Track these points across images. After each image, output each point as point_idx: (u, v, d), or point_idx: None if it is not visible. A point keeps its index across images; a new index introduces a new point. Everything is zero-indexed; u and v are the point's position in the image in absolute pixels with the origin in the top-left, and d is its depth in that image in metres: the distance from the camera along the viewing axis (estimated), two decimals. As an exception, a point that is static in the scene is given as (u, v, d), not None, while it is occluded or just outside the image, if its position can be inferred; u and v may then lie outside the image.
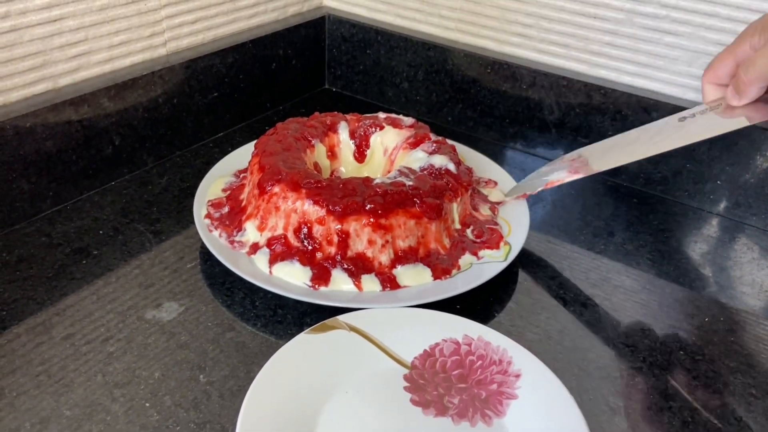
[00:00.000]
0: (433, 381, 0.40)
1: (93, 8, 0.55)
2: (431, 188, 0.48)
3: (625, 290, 0.50)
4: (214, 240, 0.48)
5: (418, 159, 0.52)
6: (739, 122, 0.44)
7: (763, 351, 0.44)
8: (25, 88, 0.53)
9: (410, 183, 0.48)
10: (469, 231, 0.51)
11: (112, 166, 0.58)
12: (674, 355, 0.44)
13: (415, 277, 0.46)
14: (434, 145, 0.53)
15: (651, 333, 0.46)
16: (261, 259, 0.47)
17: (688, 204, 0.61)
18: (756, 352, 0.44)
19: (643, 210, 0.60)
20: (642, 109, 0.60)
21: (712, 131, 0.44)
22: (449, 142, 0.56)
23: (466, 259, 0.49)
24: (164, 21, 0.61)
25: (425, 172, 0.50)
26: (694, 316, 0.47)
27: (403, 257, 0.47)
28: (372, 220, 0.46)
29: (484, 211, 0.54)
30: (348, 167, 0.57)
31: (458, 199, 0.50)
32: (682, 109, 0.58)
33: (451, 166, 0.51)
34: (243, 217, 0.49)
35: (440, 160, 0.51)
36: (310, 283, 0.45)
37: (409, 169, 0.51)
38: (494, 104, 0.69)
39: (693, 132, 0.45)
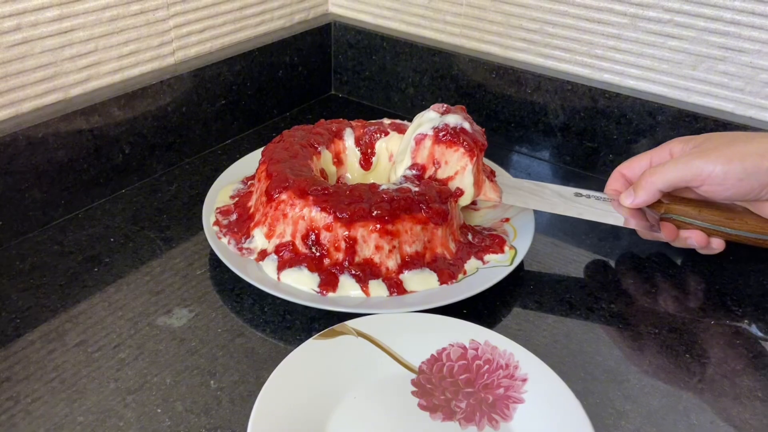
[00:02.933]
0: (440, 385, 0.40)
1: (102, 19, 0.56)
2: (437, 193, 0.49)
3: (631, 293, 0.50)
4: (223, 247, 0.49)
5: (430, 119, 0.51)
6: (616, 219, 0.50)
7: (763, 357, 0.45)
8: (37, 99, 0.54)
9: (416, 189, 0.49)
10: (470, 236, 0.51)
11: (122, 174, 0.59)
12: (681, 357, 0.44)
13: (421, 282, 0.47)
14: (443, 106, 0.52)
15: (658, 335, 0.46)
16: (269, 265, 0.47)
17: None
18: (762, 355, 0.45)
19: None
20: (647, 112, 0.60)
21: (593, 216, 0.50)
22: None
23: (472, 263, 0.49)
24: (172, 30, 0.62)
25: (440, 132, 0.49)
26: (700, 319, 0.48)
27: (409, 262, 0.47)
28: (379, 226, 0.46)
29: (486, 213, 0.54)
30: (354, 173, 0.58)
31: (473, 160, 0.49)
32: (686, 113, 0.59)
33: (466, 125, 0.50)
34: (251, 224, 0.50)
35: (454, 119, 0.50)
36: (318, 289, 0.46)
37: (421, 167, 0.51)
38: (499, 109, 0.69)
39: (580, 210, 0.50)
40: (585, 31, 0.63)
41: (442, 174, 0.50)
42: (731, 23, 0.56)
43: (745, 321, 0.47)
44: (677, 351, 0.45)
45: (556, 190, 0.53)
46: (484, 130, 0.54)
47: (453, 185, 0.50)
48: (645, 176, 0.49)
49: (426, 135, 0.50)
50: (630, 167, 0.52)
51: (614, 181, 0.53)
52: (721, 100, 0.59)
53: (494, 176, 0.53)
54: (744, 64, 0.56)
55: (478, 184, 0.50)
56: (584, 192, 0.52)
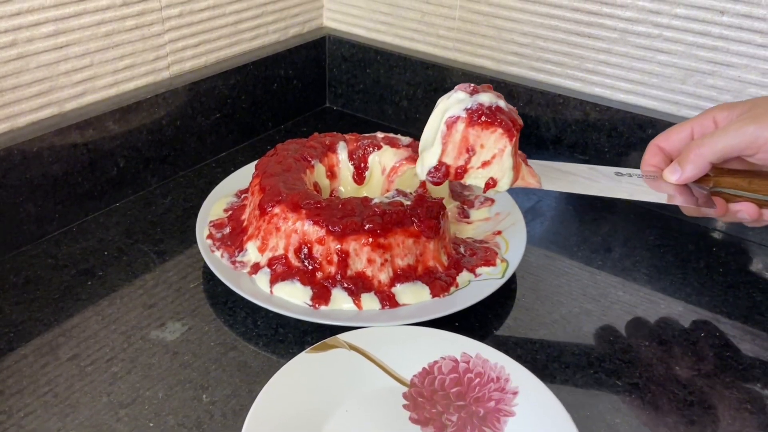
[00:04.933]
0: (431, 399, 0.41)
1: (98, 34, 0.56)
2: (429, 207, 0.49)
3: (622, 305, 0.50)
4: (216, 260, 0.49)
5: (460, 100, 0.45)
6: (660, 197, 0.46)
7: (759, 366, 0.45)
8: (32, 113, 0.54)
9: (408, 203, 0.49)
10: (462, 249, 0.51)
11: (116, 187, 0.60)
12: (671, 370, 0.44)
13: (414, 295, 0.47)
14: (470, 86, 0.47)
15: (648, 348, 0.46)
16: (262, 278, 0.47)
17: (683, 218, 0.61)
18: (751, 366, 0.45)
19: (640, 226, 0.60)
20: (637, 125, 0.61)
21: (635, 195, 0.46)
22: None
23: (464, 276, 0.49)
24: (167, 45, 0.63)
25: (474, 113, 0.44)
26: (690, 331, 0.48)
27: (402, 275, 0.48)
28: (371, 239, 0.46)
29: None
30: (347, 187, 0.58)
31: (512, 141, 0.44)
32: (673, 123, 0.59)
33: (502, 104, 0.45)
34: (244, 238, 0.50)
35: (488, 98, 0.45)
36: (310, 303, 0.46)
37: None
38: (492, 122, 0.70)
39: (621, 190, 0.47)
40: (576, 45, 0.64)
41: (476, 161, 0.45)
42: (719, 38, 0.56)
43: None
44: (668, 363, 0.45)
45: (593, 169, 0.48)
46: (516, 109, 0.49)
47: (489, 171, 0.45)
48: (692, 148, 0.44)
49: (458, 117, 0.44)
50: (668, 139, 0.48)
51: (652, 155, 0.48)
52: (710, 113, 0.59)
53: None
54: (732, 78, 0.57)
55: (516, 168, 0.45)
56: (624, 170, 0.48)
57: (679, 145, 0.47)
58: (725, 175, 0.46)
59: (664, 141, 0.48)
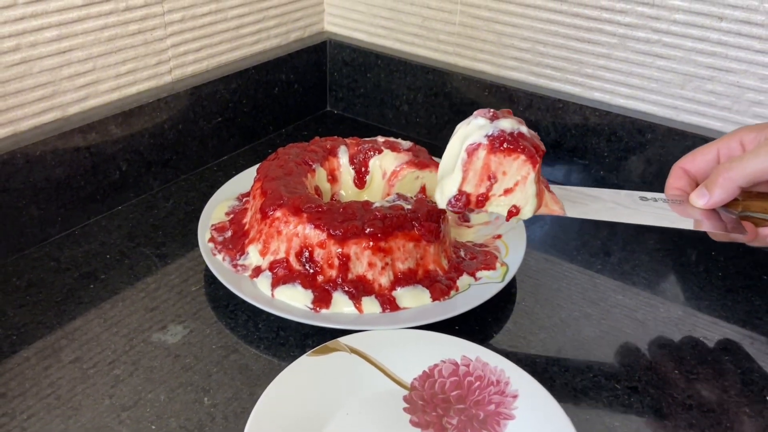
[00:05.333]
0: (432, 402, 0.41)
1: (101, 39, 0.57)
2: (429, 211, 0.49)
3: (621, 309, 0.51)
4: (218, 264, 0.49)
5: (480, 126, 0.44)
6: (686, 223, 0.44)
7: (757, 370, 0.45)
8: (35, 117, 0.54)
9: (409, 206, 0.49)
10: (462, 253, 0.52)
11: (119, 190, 0.60)
12: (670, 374, 0.45)
13: (414, 298, 0.47)
14: (490, 111, 0.46)
15: (647, 352, 0.47)
16: (263, 282, 0.48)
17: (683, 223, 0.62)
18: (750, 371, 0.45)
19: (639, 230, 0.61)
20: (637, 130, 0.61)
21: (661, 221, 0.45)
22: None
23: (464, 280, 0.50)
24: (170, 50, 0.63)
25: (496, 140, 0.43)
26: (689, 335, 0.48)
27: (402, 279, 0.48)
28: (372, 243, 0.47)
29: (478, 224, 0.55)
30: (348, 191, 0.58)
31: (536, 168, 0.43)
32: (675, 131, 0.60)
33: (524, 129, 0.44)
34: (246, 241, 0.51)
35: (509, 124, 0.44)
36: (311, 306, 0.46)
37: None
38: (492, 126, 0.70)
39: (646, 216, 0.45)
40: (575, 50, 0.64)
41: (498, 188, 0.44)
42: (718, 44, 0.57)
43: None
44: (667, 367, 0.45)
45: (616, 195, 0.47)
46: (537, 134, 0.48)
47: (512, 199, 0.44)
48: (720, 171, 0.43)
49: (479, 144, 0.43)
50: (693, 162, 0.46)
51: (676, 178, 0.47)
52: (709, 118, 0.60)
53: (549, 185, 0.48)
54: (731, 84, 0.58)
55: (539, 195, 0.44)
56: (648, 195, 0.47)
57: (705, 167, 0.46)
58: (754, 198, 0.45)
59: (689, 163, 0.47)
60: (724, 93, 0.58)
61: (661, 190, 0.61)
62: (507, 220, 0.45)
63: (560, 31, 0.64)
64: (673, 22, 0.58)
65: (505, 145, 0.43)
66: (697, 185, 0.46)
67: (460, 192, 0.44)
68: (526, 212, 0.44)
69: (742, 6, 0.55)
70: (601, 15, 0.61)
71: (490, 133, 0.43)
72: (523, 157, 0.43)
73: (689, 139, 0.59)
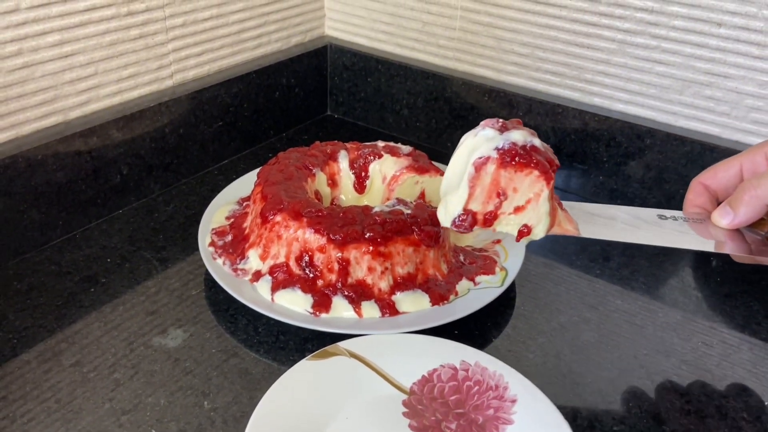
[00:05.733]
0: (431, 406, 0.41)
1: (102, 44, 0.57)
2: (429, 216, 0.50)
3: (621, 314, 0.51)
4: (218, 268, 0.50)
5: (488, 138, 0.40)
6: (707, 244, 0.42)
7: (756, 375, 0.45)
8: (37, 122, 0.55)
9: (408, 211, 0.49)
10: (461, 258, 0.52)
11: (120, 194, 0.60)
12: (669, 379, 0.45)
13: (413, 303, 0.48)
14: (499, 121, 0.42)
15: (646, 357, 0.47)
16: (263, 286, 0.48)
17: (682, 228, 0.62)
18: (751, 375, 0.45)
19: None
20: (635, 135, 0.62)
21: (681, 243, 0.42)
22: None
23: (463, 284, 0.50)
24: (171, 54, 0.63)
25: (506, 153, 0.39)
26: (688, 340, 0.48)
27: (402, 284, 0.48)
28: (371, 248, 0.47)
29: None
30: (348, 195, 0.59)
31: (550, 185, 0.40)
32: (673, 137, 0.60)
33: (537, 142, 0.41)
34: (246, 246, 0.51)
35: (521, 136, 0.40)
36: (311, 310, 0.46)
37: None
38: (492, 131, 0.70)
39: (665, 237, 0.43)
40: (575, 56, 0.65)
41: (508, 206, 0.41)
42: (717, 50, 0.57)
43: None
44: (666, 372, 0.45)
45: (633, 213, 0.44)
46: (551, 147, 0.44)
47: (523, 218, 0.41)
48: (746, 189, 0.40)
49: (488, 158, 0.40)
50: (714, 177, 0.43)
51: (696, 195, 0.44)
52: (707, 124, 0.60)
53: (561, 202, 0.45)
54: (729, 90, 0.58)
55: (553, 214, 0.41)
56: (667, 213, 0.44)
57: (727, 183, 0.43)
58: None
59: (710, 179, 0.44)
60: (723, 99, 0.58)
61: (661, 195, 0.61)
62: (517, 240, 0.41)
63: (560, 36, 0.65)
64: (672, 28, 0.58)
65: (516, 160, 0.39)
66: (718, 202, 0.43)
67: (466, 211, 0.41)
68: (538, 232, 0.41)
69: (741, 12, 0.55)
70: (600, 21, 0.62)
71: (500, 146, 0.40)
72: (536, 172, 0.40)
73: (688, 145, 0.59)
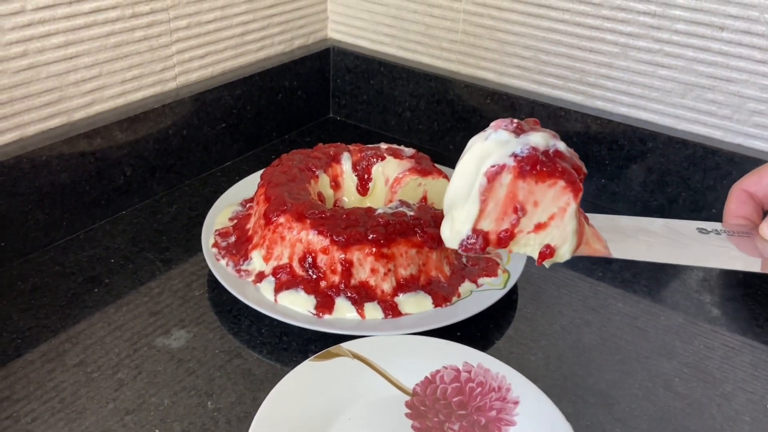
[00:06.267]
0: (433, 407, 0.41)
1: (107, 45, 0.57)
2: (432, 218, 0.50)
3: (622, 317, 0.51)
4: (221, 269, 0.50)
5: (502, 143, 0.35)
6: (753, 264, 0.37)
7: (758, 378, 0.45)
8: (41, 123, 0.55)
9: (411, 213, 0.50)
10: (464, 259, 0.52)
11: (123, 195, 0.60)
12: (670, 382, 0.45)
13: (416, 304, 0.48)
14: (513, 122, 0.36)
15: (647, 359, 0.47)
16: (267, 287, 0.48)
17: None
18: (752, 378, 0.45)
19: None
20: (638, 138, 0.62)
21: (726, 263, 0.38)
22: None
23: (466, 286, 0.50)
24: (175, 56, 0.64)
25: (525, 161, 0.34)
26: (690, 343, 0.48)
27: (404, 285, 0.48)
28: (374, 249, 0.47)
29: None
30: (351, 197, 0.59)
31: (578, 197, 0.34)
32: (676, 140, 0.60)
33: (561, 146, 0.35)
34: (249, 247, 0.51)
35: (542, 139, 0.35)
36: (314, 311, 0.46)
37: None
38: (494, 133, 0.71)
39: (708, 256, 0.38)
40: (577, 59, 0.65)
41: (527, 223, 0.35)
42: (719, 53, 0.57)
43: None
44: (667, 375, 0.46)
45: (669, 226, 0.39)
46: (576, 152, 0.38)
47: (545, 237, 0.35)
48: None
49: (503, 166, 0.34)
50: (759, 183, 0.39)
51: (739, 204, 0.39)
52: (709, 127, 0.60)
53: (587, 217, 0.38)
54: (732, 93, 0.58)
55: (580, 231, 0.35)
56: (708, 226, 0.39)
57: None
58: None
59: (754, 185, 0.39)
60: (725, 102, 0.59)
61: (663, 198, 0.61)
62: (538, 263, 0.36)
63: (562, 39, 0.65)
64: (675, 32, 0.59)
65: (538, 168, 0.33)
66: (764, 211, 0.39)
67: (476, 231, 0.35)
68: (563, 253, 0.35)
69: (743, 16, 0.55)
70: (603, 24, 0.62)
71: (517, 152, 0.34)
72: (561, 183, 0.34)
73: (690, 148, 0.59)
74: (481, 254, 0.37)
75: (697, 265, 0.38)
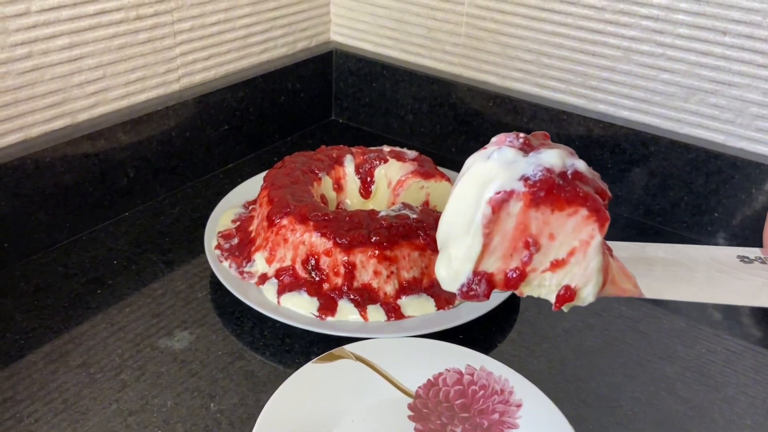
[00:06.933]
0: (436, 410, 0.41)
1: (111, 47, 0.57)
2: (435, 221, 0.50)
3: (624, 320, 0.51)
4: (224, 271, 0.50)
5: (508, 162, 0.29)
6: None
7: (760, 382, 0.45)
8: (46, 124, 0.55)
9: (414, 216, 0.50)
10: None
11: (126, 197, 0.60)
12: (672, 386, 0.45)
13: (419, 307, 0.48)
14: (520, 136, 0.31)
15: (650, 363, 0.47)
16: (269, 289, 0.48)
17: (686, 235, 0.62)
18: (754, 382, 0.45)
19: (643, 241, 0.61)
20: (640, 142, 0.62)
21: (762, 300, 0.33)
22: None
23: (468, 289, 0.50)
24: (178, 58, 0.64)
25: (538, 185, 0.28)
26: (692, 347, 0.49)
27: (407, 288, 0.48)
28: (377, 251, 0.47)
29: None
30: (353, 199, 0.59)
31: (603, 228, 0.29)
32: (678, 144, 0.60)
33: (580, 165, 0.30)
34: (252, 249, 0.51)
35: (557, 158, 0.29)
36: (317, 314, 0.47)
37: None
38: (497, 137, 0.71)
39: (755, 292, 0.33)
40: (580, 62, 0.65)
41: (541, 261, 0.30)
42: (722, 58, 0.57)
43: None
44: (671, 379, 0.46)
45: (706, 254, 0.34)
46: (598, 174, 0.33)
47: (564, 276, 0.30)
48: None
49: (511, 192, 0.28)
50: None
51: None
52: (712, 131, 0.60)
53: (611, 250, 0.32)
54: (734, 98, 0.58)
55: (606, 268, 0.30)
56: (749, 253, 0.34)
57: None
58: None
59: None
60: (728, 107, 0.59)
61: (666, 202, 0.61)
62: (556, 308, 0.30)
63: (565, 43, 0.65)
64: (678, 36, 0.59)
65: (554, 194, 0.28)
66: None
67: (478, 273, 0.29)
68: (586, 296, 0.30)
69: (746, 21, 0.55)
70: (605, 28, 0.62)
71: (528, 175, 0.28)
72: (584, 211, 0.28)
73: (692, 152, 0.59)
74: (484, 300, 0.30)
75: (745, 304, 0.34)
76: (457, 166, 0.71)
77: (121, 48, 0.58)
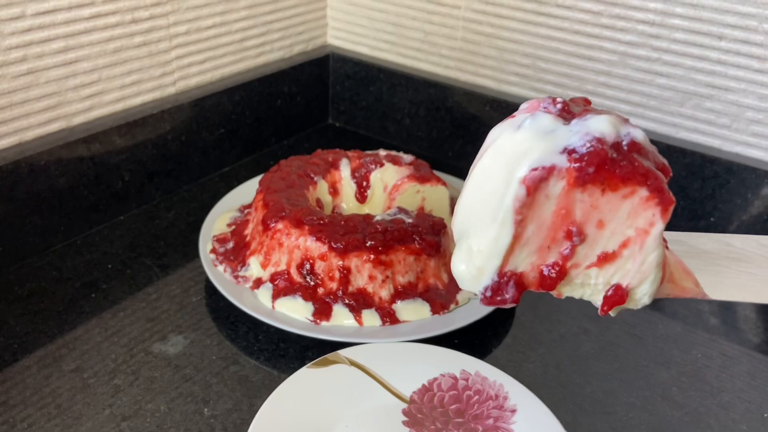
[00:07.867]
0: (431, 415, 0.41)
1: (107, 51, 0.57)
2: (430, 225, 0.50)
3: (620, 325, 0.51)
4: (219, 275, 0.50)
5: (545, 132, 0.24)
6: None
7: (756, 387, 0.45)
8: (40, 127, 0.55)
9: (410, 220, 0.50)
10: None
11: (121, 201, 0.60)
12: (668, 391, 0.45)
13: (414, 312, 0.48)
14: (557, 103, 0.25)
15: (645, 368, 0.47)
16: (264, 293, 0.48)
17: (682, 239, 0.62)
18: (750, 387, 0.45)
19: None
20: (636, 147, 0.62)
21: None
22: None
23: (464, 294, 0.50)
24: (174, 61, 0.64)
25: (583, 159, 0.23)
26: (688, 351, 0.48)
27: (402, 292, 0.48)
28: (372, 256, 0.47)
29: None
30: (349, 203, 0.59)
31: (666, 213, 0.24)
32: (674, 148, 0.60)
33: (638, 134, 0.24)
34: (247, 253, 0.51)
35: (608, 125, 0.23)
36: (311, 318, 0.46)
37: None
38: (493, 141, 0.71)
39: None
40: (576, 67, 0.65)
41: (587, 254, 0.24)
42: (717, 62, 0.57)
43: None
44: (666, 384, 0.45)
45: (754, 245, 0.29)
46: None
47: (614, 272, 0.25)
48: None
49: (551, 168, 0.23)
50: None
51: None
52: (708, 136, 0.60)
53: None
54: (730, 102, 0.58)
55: (664, 264, 0.25)
56: None
57: None
58: None
59: None
60: (723, 111, 0.59)
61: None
62: (602, 312, 0.25)
63: (561, 47, 0.65)
64: (674, 41, 0.59)
65: (607, 170, 0.23)
66: None
67: (504, 274, 0.24)
68: (641, 296, 0.25)
69: (742, 26, 0.55)
70: (602, 33, 0.62)
71: (574, 146, 0.23)
72: (643, 191, 0.23)
73: (688, 157, 0.60)
74: (513, 305, 0.25)
75: None
76: (453, 171, 0.71)
77: (116, 51, 0.58)
